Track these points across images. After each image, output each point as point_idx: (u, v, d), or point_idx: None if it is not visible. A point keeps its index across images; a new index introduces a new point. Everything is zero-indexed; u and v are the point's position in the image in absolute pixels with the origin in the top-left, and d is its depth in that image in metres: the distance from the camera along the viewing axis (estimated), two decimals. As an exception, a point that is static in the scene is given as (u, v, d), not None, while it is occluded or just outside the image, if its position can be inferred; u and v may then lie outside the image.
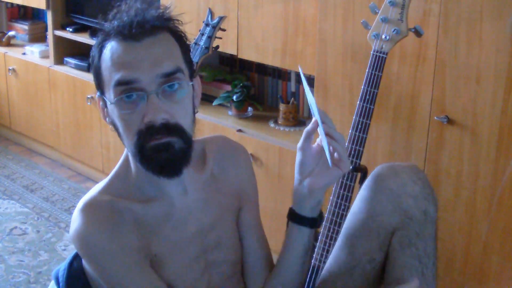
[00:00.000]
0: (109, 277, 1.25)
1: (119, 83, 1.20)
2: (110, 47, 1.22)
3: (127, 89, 1.20)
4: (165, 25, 1.25)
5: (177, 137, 1.22)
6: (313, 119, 1.35)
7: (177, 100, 1.23)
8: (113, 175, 1.33)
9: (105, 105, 1.27)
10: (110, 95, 1.23)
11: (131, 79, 1.19)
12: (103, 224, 1.23)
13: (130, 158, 1.30)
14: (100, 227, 1.23)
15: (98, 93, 1.28)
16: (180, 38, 1.27)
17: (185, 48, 1.27)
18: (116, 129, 1.26)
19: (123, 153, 1.35)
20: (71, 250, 2.83)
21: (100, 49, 1.25)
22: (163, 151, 1.21)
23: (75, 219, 1.25)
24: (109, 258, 1.23)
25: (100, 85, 1.26)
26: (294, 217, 1.39)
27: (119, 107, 1.21)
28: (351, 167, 1.79)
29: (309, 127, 1.34)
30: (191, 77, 1.28)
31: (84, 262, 1.35)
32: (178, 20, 1.27)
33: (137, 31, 1.20)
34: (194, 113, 1.29)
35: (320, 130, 1.30)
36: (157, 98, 1.20)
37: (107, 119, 1.29)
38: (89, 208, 1.26)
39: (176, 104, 1.23)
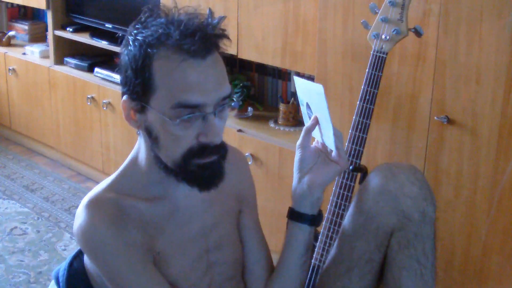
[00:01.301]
0: (112, 273, 1.25)
1: (184, 106, 1.16)
2: (170, 59, 1.15)
3: (189, 111, 1.17)
4: (219, 44, 1.21)
5: (221, 154, 1.24)
6: (313, 116, 1.36)
7: (223, 117, 1.24)
8: (119, 173, 1.33)
9: (140, 110, 1.22)
10: (162, 109, 1.17)
11: (197, 103, 1.16)
12: (108, 221, 1.23)
13: (142, 157, 1.29)
14: (105, 223, 1.23)
15: (131, 96, 1.21)
16: (224, 56, 1.25)
17: (225, 66, 1.26)
18: (152, 136, 1.23)
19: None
20: (71, 250, 2.83)
21: (150, 56, 1.17)
22: (208, 169, 1.22)
23: (80, 215, 1.25)
24: (113, 254, 1.24)
25: (145, 93, 1.19)
26: (294, 215, 1.40)
27: (174, 124, 1.18)
28: (350, 167, 1.79)
29: (308, 124, 1.36)
30: None
31: (86, 258, 1.36)
32: (229, 38, 1.23)
33: (200, 47, 1.15)
34: None
35: (323, 121, 1.32)
36: (214, 119, 1.19)
37: (132, 121, 1.25)
38: (94, 204, 1.26)
39: (223, 121, 1.24)
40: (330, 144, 1.34)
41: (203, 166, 1.22)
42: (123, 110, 1.25)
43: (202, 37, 1.15)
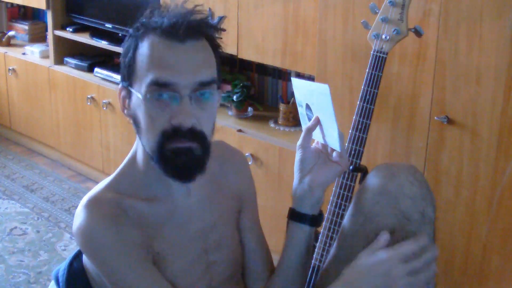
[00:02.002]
0: (111, 273, 1.25)
1: (156, 83, 1.19)
2: (150, 42, 1.21)
3: (163, 90, 1.20)
4: (208, 33, 1.25)
5: (199, 144, 1.23)
6: (314, 117, 1.36)
7: (205, 107, 1.24)
8: (118, 173, 1.34)
9: (128, 96, 1.26)
10: (140, 89, 1.22)
11: (169, 82, 1.19)
12: (107, 220, 1.24)
13: (140, 156, 1.30)
14: (104, 223, 1.23)
15: (122, 84, 1.27)
16: (216, 49, 1.27)
17: (219, 59, 1.28)
18: (136, 123, 1.26)
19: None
20: (71, 250, 2.83)
21: (137, 40, 1.24)
22: (182, 154, 1.22)
23: (79, 215, 1.25)
24: (112, 253, 1.24)
25: (129, 76, 1.25)
26: (294, 215, 1.40)
27: (148, 103, 1.21)
28: (351, 167, 1.79)
29: (309, 124, 1.37)
30: (219, 87, 1.29)
31: (85, 258, 1.36)
32: (220, 29, 1.26)
33: (181, 32, 1.19)
34: (214, 122, 1.31)
35: (325, 122, 1.32)
36: (189, 102, 1.20)
37: (125, 111, 1.29)
38: (93, 204, 1.26)
39: (203, 111, 1.24)
40: (334, 144, 1.34)
41: (177, 151, 1.21)
42: (119, 101, 1.29)
43: (183, 23, 1.19)
